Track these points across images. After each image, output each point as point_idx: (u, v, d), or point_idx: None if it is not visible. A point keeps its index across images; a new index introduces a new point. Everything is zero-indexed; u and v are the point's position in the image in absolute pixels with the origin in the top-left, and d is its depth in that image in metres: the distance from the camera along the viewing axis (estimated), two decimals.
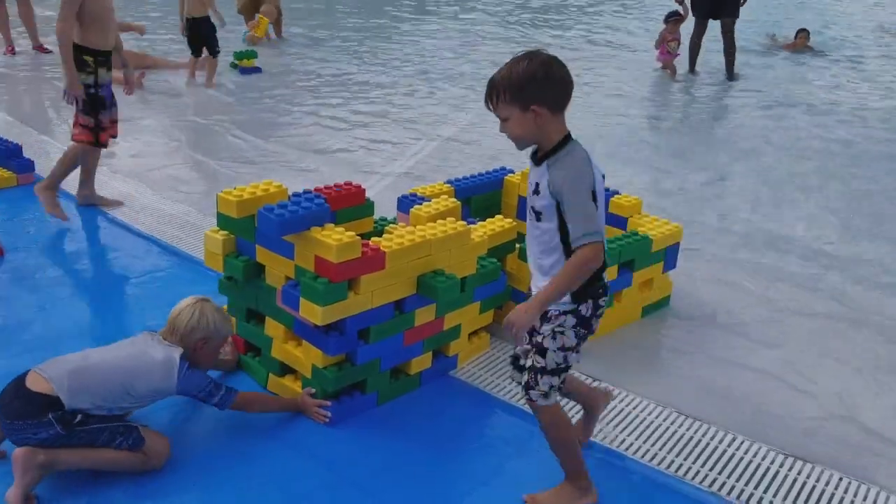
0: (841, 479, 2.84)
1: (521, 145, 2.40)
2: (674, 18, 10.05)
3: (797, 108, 8.52)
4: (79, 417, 2.59)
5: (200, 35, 8.55)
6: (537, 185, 2.39)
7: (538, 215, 2.42)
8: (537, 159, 2.40)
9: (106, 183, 5.55)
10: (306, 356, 3.03)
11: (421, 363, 3.25)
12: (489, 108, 2.39)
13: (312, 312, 2.83)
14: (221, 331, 2.92)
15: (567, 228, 2.33)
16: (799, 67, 10.69)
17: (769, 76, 10.12)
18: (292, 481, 2.70)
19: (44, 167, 5.66)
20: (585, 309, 2.46)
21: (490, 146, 6.57)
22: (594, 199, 2.30)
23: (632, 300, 3.84)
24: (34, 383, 2.61)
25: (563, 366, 2.48)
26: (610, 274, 3.63)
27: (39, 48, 9.79)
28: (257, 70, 9.18)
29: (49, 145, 6.37)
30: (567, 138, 2.37)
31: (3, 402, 2.61)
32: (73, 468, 2.64)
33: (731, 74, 9.85)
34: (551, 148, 2.36)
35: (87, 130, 4.75)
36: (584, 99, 8.32)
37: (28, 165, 5.48)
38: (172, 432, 2.87)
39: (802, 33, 11.77)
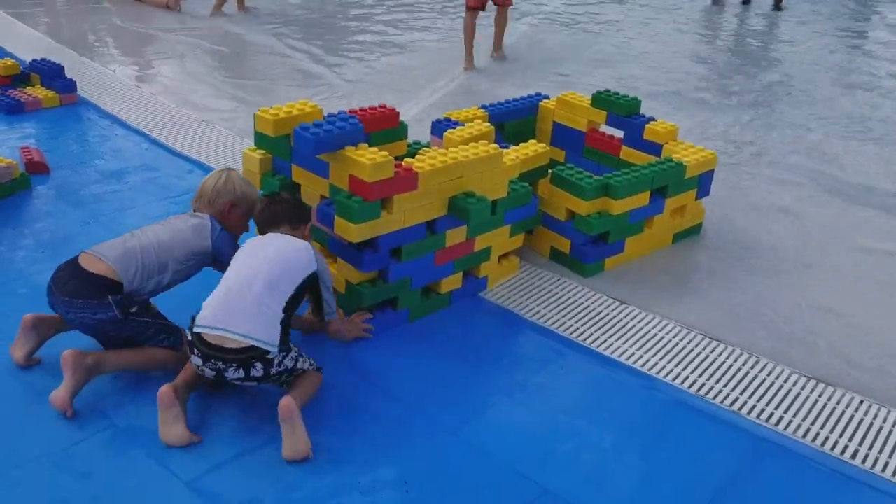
0: (862, 401, 2.89)
1: None
2: None
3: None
4: (135, 308, 2.73)
5: None
6: None
7: None
8: None
9: (146, 105, 5.64)
10: (340, 273, 3.12)
11: (451, 283, 3.33)
12: None
13: (347, 230, 2.91)
14: (248, 194, 3.03)
15: None
16: None
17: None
18: (326, 390, 2.81)
19: (85, 88, 5.77)
20: None
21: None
22: None
23: (663, 226, 3.86)
24: (91, 265, 2.73)
25: None
26: (641, 200, 3.65)
27: None
28: None
29: (89, 67, 6.45)
30: None
31: (60, 281, 2.73)
32: (119, 370, 2.79)
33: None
34: None
35: None
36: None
37: (71, 86, 5.58)
38: None
39: None
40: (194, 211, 3.00)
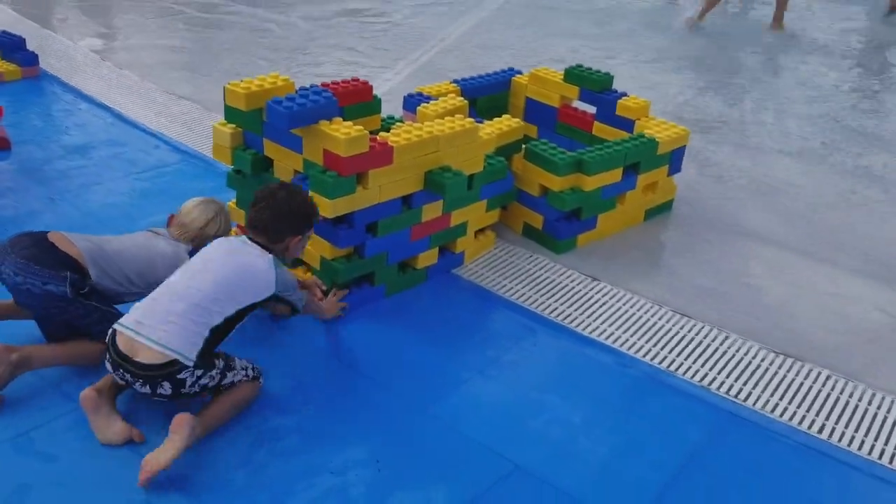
0: (829, 377, 2.95)
1: None
2: None
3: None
4: (87, 288, 2.64)
5: None
6: None
7: None
8: None
9: (111, 79, 5.52)
10: (315, 248, 3.09)
11: (428, 258, 3.32)
12: None
13: (321, 205, 2.88)
14: (227, 232, 2.98)
15: None
16: None
17: None
18: (298, 369, 2.81)
19: (48, 61, 5.63)
20: None
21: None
22: None
23: (635, 203, 3.88)
24: (60, 242, 2.66)
25: None
26: (614, 176, 3.67)
27: None
28: None
29: (52, 39, 6.29)
30: None
31: (20, 244, 2.64)
32: (48, 366, 2.67)
33: None
34: None
35: None
36: None
37: (32, 58, 5.44)
38: None
39: None
40: (173, 235, 2.91)
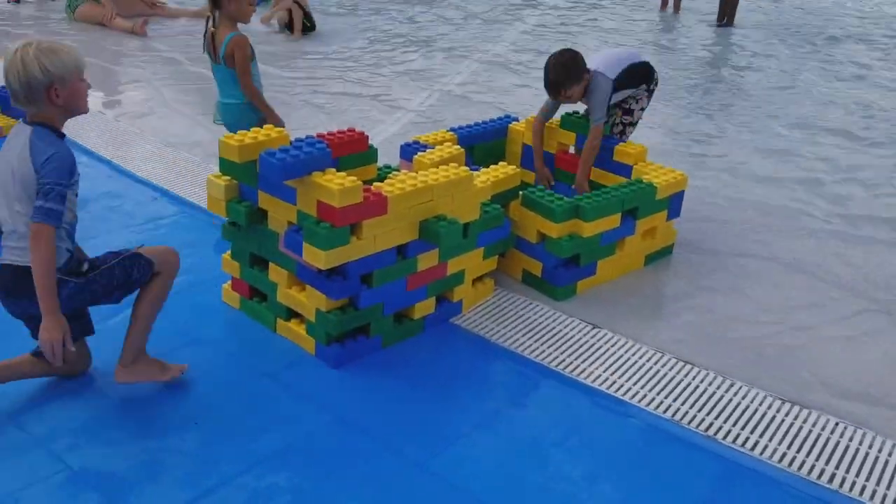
0: (837, 424, 2.88)
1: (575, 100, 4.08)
2: None
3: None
4: (85, 266, 2.61)
5: None
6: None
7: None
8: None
9: (109, 131, 5.54)
10: (310, 300, 3.05)
11: (424, 308, 3.27)
12: (561, 96, 4.02)
13: (316, 257, 2.85)
14: (67, 63, 2.52)
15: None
16: None
17: None
18: (293, 424, 2.74)
19: None
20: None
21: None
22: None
23: (635, 248, 3.84)
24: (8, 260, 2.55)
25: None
26: (612, 222, 3.64)
27: None
28: None
29: None
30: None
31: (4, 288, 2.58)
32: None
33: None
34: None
35: None
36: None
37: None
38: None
39: None
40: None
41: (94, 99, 6.30)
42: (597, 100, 4.03)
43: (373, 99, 6.53)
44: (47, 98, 2.50)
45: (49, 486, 2.42)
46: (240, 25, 4.13)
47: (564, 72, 3.95)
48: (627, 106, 4.30)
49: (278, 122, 4.08)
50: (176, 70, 7.20)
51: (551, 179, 4.26)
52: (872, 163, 5.57)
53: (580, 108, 4.26)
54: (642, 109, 4.39)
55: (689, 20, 10.28)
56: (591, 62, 4.10)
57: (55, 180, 2.45)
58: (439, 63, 7.72)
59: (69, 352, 2.52)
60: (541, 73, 4.11)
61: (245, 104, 4.19)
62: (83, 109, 2.63)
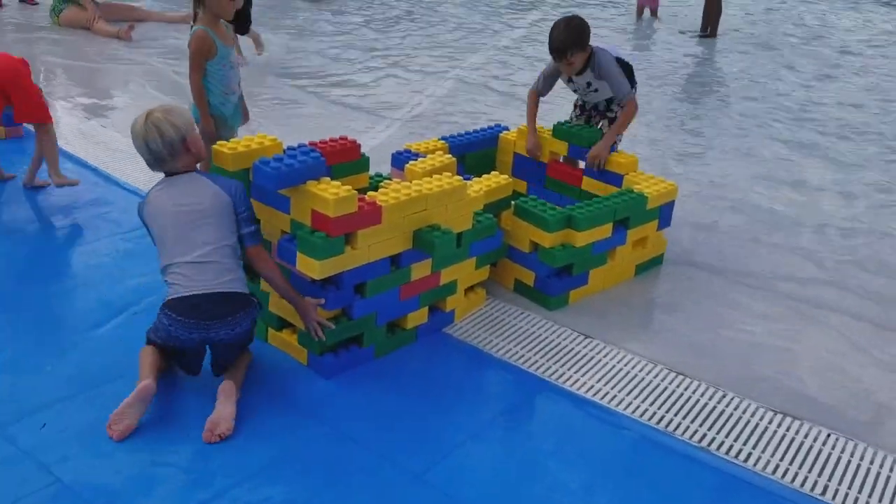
0: (829, 434, 2.89)
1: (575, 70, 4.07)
2: None
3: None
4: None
5: None
6: (589, 83, 4.18)
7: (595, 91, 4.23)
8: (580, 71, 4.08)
9: (96, 138, 5.49)
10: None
11: (417, 318, 3.26)
12: (564, 61, 3.97)
13: (309, 267, 2.83)
14: (186, 118, 2.91)
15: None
16: None
17: None
18: (286, 436, 2.72)
19: None
20: None
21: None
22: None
23: (625, 258, 3.85)
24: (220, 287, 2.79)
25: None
26: (604, 232, 3.64)
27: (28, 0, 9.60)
28: None
29: None
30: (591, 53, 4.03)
31: (198, 308, 2.75)
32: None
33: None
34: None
35: None
36: None
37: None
38: (165, 386, 2.87)
39: None
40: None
41: (79, 104, 6.25)
42: (611, 73, 4.03)
43: (356, 109, 6.52)
44: (184, 149, 2.85)
45: (39, 499, 2.38)
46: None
47: (573, 36, 3.91)
48: (612, 115, 4.30)
49: (208, 128, 3.86)
50: (162, 75, 7.15)
51: (541, 150, 4.25)
52: (862, 171, 5.62)
53: (572, 98, 4.27)
54: None
55: (669, 31, 10.34)
56: None
57: (249, 206, 2.91)
58: (417, 78, 7.73)
59: (328, 325, 2.91)
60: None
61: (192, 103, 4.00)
62: (203, 155, 2.96)
